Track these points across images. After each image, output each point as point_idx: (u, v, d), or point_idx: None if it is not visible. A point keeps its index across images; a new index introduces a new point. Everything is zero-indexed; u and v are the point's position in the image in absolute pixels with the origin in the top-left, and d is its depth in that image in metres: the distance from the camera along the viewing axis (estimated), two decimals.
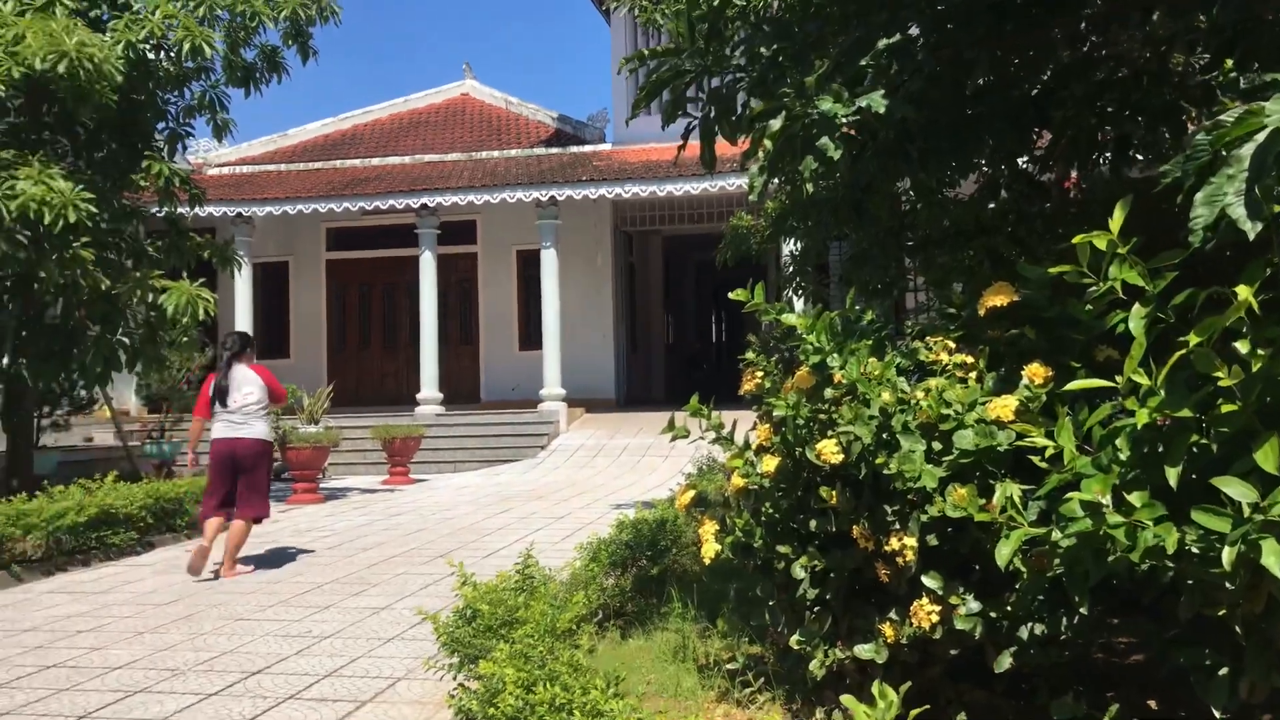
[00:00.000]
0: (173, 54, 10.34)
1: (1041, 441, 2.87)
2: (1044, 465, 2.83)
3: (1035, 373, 3.06)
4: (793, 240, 9.20)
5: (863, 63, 3.55)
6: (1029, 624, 3.11)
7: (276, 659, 5.06)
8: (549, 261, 16.86)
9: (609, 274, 19.12)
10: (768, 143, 3.48)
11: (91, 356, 9.35)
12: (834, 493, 3.28)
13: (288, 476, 14.60)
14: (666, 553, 5.58)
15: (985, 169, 5.44)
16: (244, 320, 17.71)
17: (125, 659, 5.12)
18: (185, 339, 9.97)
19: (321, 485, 12.42)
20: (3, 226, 8.26)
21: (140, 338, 9.65)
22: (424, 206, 16.98)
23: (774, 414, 3.46)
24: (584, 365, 18.12)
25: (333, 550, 8.37)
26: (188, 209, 11.17)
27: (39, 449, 12.08)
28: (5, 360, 9.13)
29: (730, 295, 3.88)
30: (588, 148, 19.11)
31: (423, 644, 5.26)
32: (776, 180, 5.98)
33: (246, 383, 7.47)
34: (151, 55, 10.34)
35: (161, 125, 10.86)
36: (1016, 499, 2.89)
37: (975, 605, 3.15)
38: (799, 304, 11.49)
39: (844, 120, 3.43)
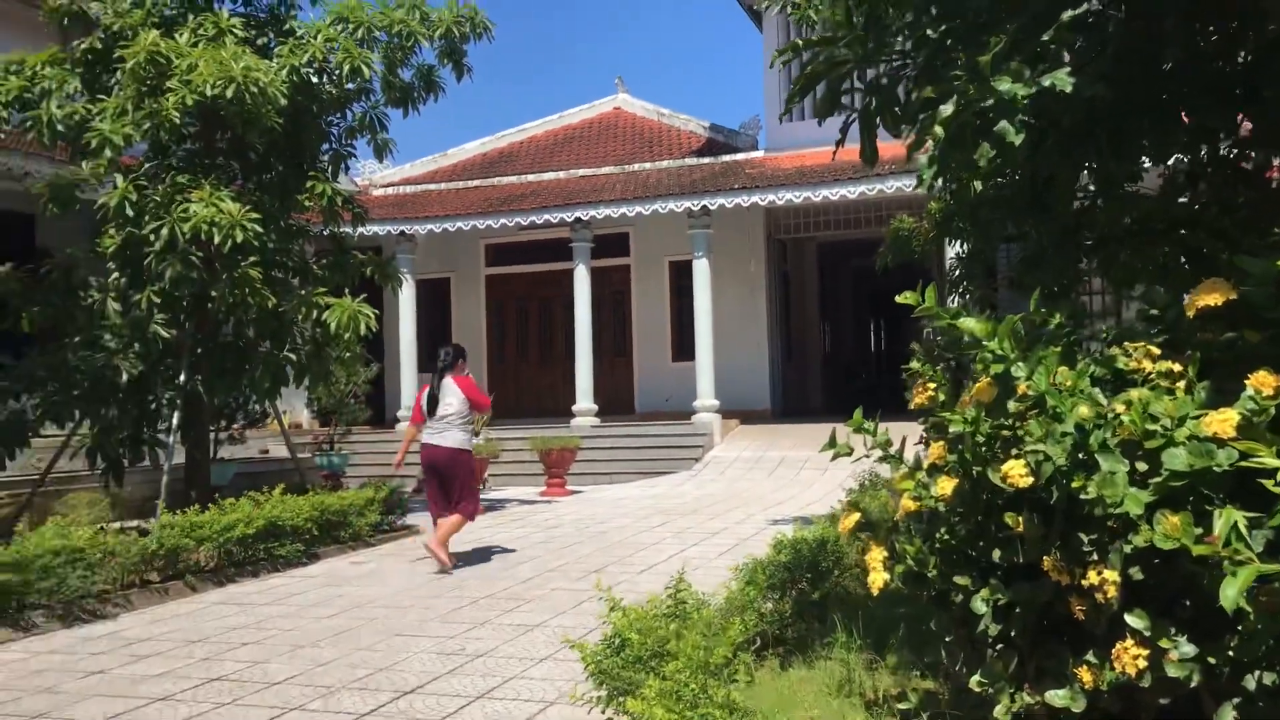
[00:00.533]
0: (334, 76, 10.64)
1: (1272, 462, 2.46)
2: (1275, 489, 2.42)
3: (1263, 381, 2.63)
4: (958, 243, 8.69)
5: (1045, 37, 3.18)
6: (1257, 672, 2.68)
7: (429, 678, 5.00)
8: (701, 271, 16.66)
9: (762, 282, 18.78)
10: (939, 130, 3.15)
11: (261, 372, 9.67)
12: (1020, 519, 2.92)
13: None
14: (828, 575, 5.26)
15: (1180, 156, 4.91)
16: (407, 335, 18.21)
17: (285, 674, 5.15)
18: (349, 354, 10.21)
19: (481, 496, 12.52)
20: (178, 248, 8.62)
21: (307, 353, 9.94)
22: (578, 220, 17.06)
23: (949, 430, 3.13)
24: (738, 376, 17.84)
25: (489, 564, 8.36)
26: (351, 228, 11.49)
27: (216, 461, 12.65)
28: (183, 377, 9.54)
29: (898, 299, 3.55)
30: (740, 155, 18.84)
31: (575, 665, 5.10)
32: (940, 180, 5.66)
33: (449, 394, 8.11)
34: (315, 79, 10.67)
35: (325, 147, 11.18)
36: (1243, 528, 2.49)
37: (1190, 649, 2.74)
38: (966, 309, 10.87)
39: (1024, 102, 3.08)
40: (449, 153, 22.09)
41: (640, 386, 19.24)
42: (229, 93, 8.54)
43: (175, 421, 9.61)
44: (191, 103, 8.76)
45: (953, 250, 9.69)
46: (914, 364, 3.79)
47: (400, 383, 18.30)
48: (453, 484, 8.09)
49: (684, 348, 18.98)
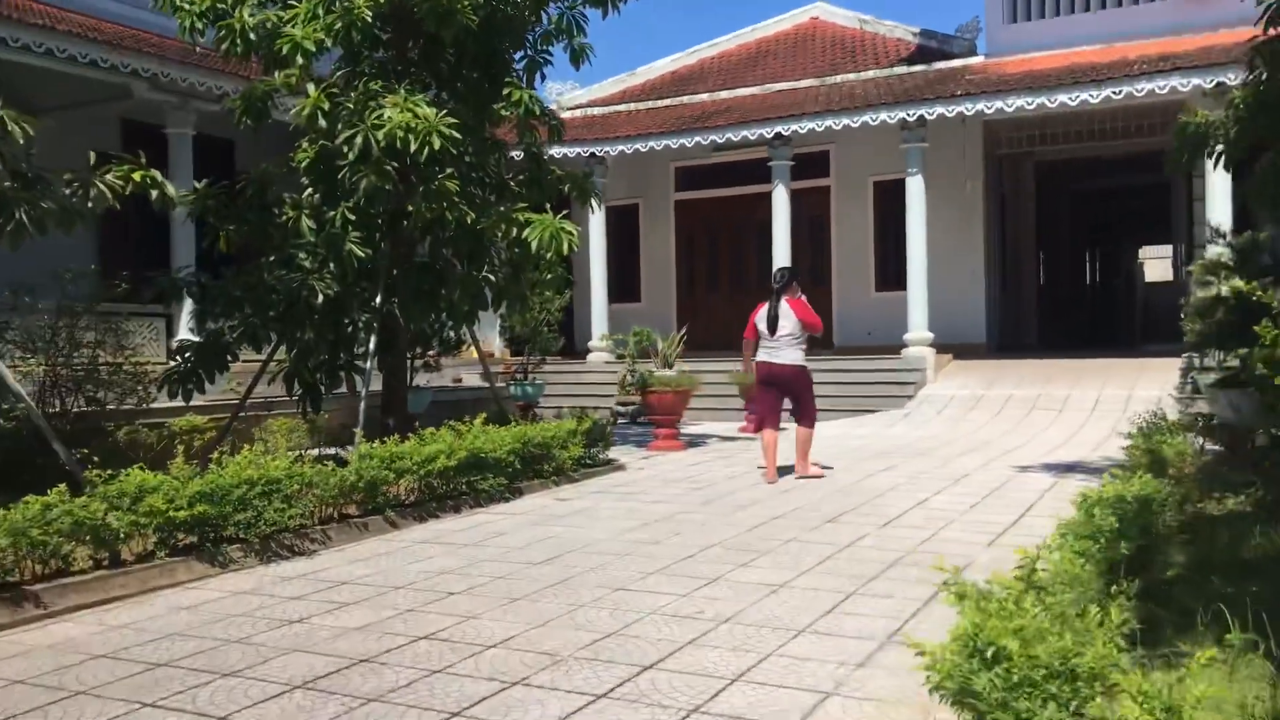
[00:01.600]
0: None
1: None
2: None
3: None
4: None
5: None
6: None
7: (670, 647, 4.16)
8: (915, 191, 15.17)
9: (979, 205, 17.09)
10: None
11: (459, 295, 9.05)
12: None
13: (644, 421, 14.18)
14: (1172, 546, 4.10)
15: None
16: (597, 262, 17.54)
17: (500, 634, 4.42)
18: (549, 276, 9.46)
19: (681, 431, 11.73)
20: (372, 158, 8.01)
21: (505, 275, 9.25)
22: (777, 136, 15.83)
23: None
24: (950, 308, 16.33)
25: (707, 507, 7.51)
26: (548, 144, 10.73)
27: (413, 389, 12.29)
28: (379, 300, 9.04)
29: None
30: (956, 62, 17.07)
31: (843, 642, 4.16)
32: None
33: (784, 316, 8.49)
34: None
35: (519, 55, 10.39)
36: None
37: None
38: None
39: None
40: (637, 71, 21.13)
41: (840, 318, 17.97)
42: None
43: (372, 346, 9.14)
44: (384, 1, 8.07)
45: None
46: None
47: (590, 311, 17.69)
48: (795, 398, 8.64)
49: (888, 277, 17.59)
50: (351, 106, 8.33)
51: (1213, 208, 13.19)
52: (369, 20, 8.16)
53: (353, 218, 8.56)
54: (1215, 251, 12.92)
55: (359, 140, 8.02)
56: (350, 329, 9.46)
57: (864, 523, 6.70)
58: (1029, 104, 14.03)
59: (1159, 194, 20.82)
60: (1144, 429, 7.56)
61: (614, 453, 10.08)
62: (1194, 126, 7.54)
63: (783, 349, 8.51)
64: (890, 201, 17.51)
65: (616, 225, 20.12)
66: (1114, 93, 13.48)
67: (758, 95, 18.31)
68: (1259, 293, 8.30)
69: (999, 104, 14.18)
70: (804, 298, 8.88)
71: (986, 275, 17.10)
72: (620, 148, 17.11)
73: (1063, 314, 23.45)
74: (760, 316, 8.65)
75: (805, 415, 8.66)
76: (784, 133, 15.65)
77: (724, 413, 14.54)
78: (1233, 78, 12.72)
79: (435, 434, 7.97)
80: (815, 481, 8.60)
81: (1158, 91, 13.29)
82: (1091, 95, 13.64)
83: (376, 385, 9.78)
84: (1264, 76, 6.86)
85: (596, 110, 19.93)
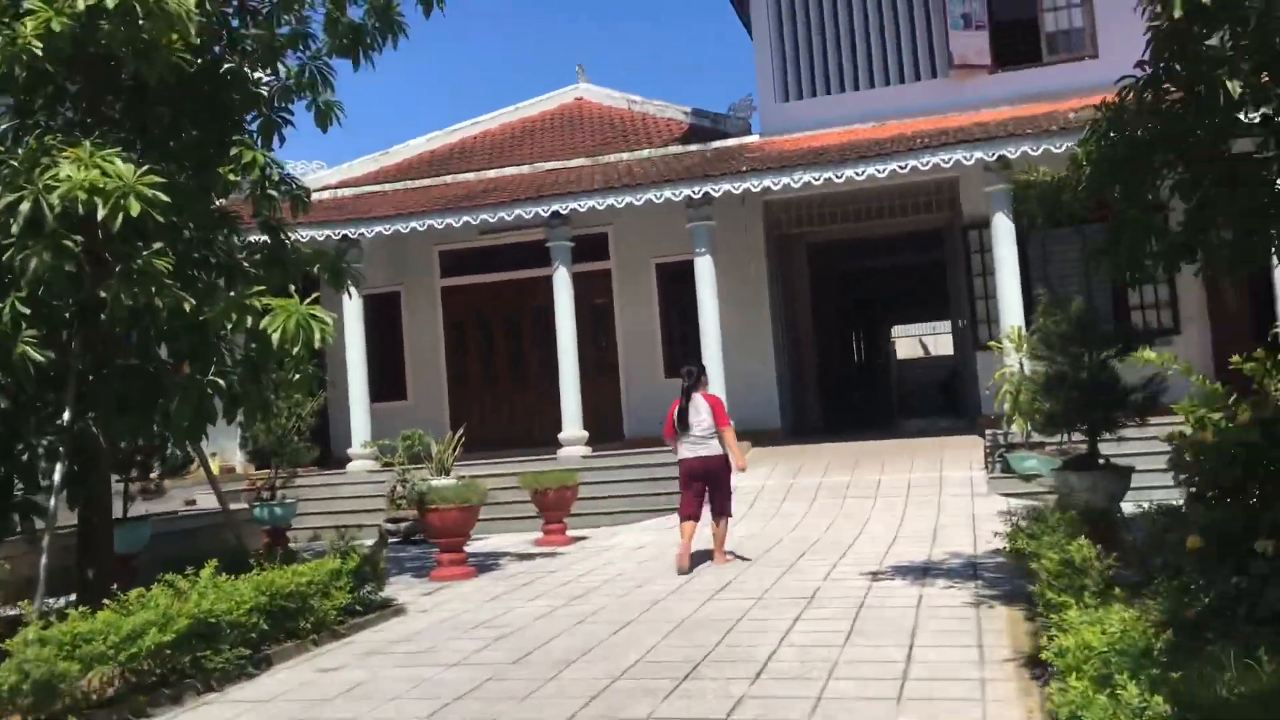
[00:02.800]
0: (259, 17, 8.16)
1: None
2: None
3: None
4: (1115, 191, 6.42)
5: None
6: None
7: None
8: (705, 271, 14.26)
9: (764, 286, 16.42)
10: None
11: (178, 405, 7.00)
12: None
13: (419, 539, 12.25)
14: None
15: None
16: (355, 358, 15.55)
17: None
18: (297, 376, 7.55)
19: (468, 550, 9.95)
20: (45, 229, 5.97)
21: (240, 377, 7.28)
22: (555, 215, 14.57)
23: None
24: (745, 393, 15.42)
25: (521, 667, 5.81)
26: (290, 223, 8.91)
27: (125, 522, 9.89)
28: (67, 416, 6.87)
29: None
30: (732, 141, 16.53)
31: None
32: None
33: (700, 409, 8.87)
34: (234, 21, 8.20)
35: (253, 114, 8.59)
36: None
37: None
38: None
39: None
40: (392, 150, 19.47)
41: (629, 408, 16.74)
42: (110, 1, 5.93)
43: (58, 477, 6.92)
44: (61, 27, 6.14)
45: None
46: None
47: (350, 414, 15.59)
48: (716, 490, 8.89)
49: (678, 361, 16.53)
50: (17, 165, 6.26)
51: (1003, 282, 12.97)
52: (37, 53, 6.17)
53: (26, 311, 6.43)
54: (1009, 327, 12.75)
55: (25, 206, 5.97)
56: (27, 456, 7.20)
57: (730, 676, 5.23)
58: (816, 179, 13.47)
59: (930, 271, 21.12)
60: (1018, 527, 6.53)
61: (390, 587, 8.21)
62: (1044, 185, 6.81)
63: (707, 440, 8.85)
64: (674, 283, 16.59)
65: (376, 315, 18.17)
66: (899, 167, 13.12)
67: (527, 174, 17.08)
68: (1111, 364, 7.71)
69: (786, 179, 13.55)
70: (717, 395, 9.73)
71: (776, 357, 16.40)
72: (378, 228, 15.35)
73: (841, 395, 23.34)
74: (678, 412, 8.93)
75: (723, 507, 9.00)
76: (561, 211, 14.41)
77: (514, 522, 12.85)
78: (1012, 151, 12.65)
79: (147, 596, 5.89)
80: (636, 608, 7.11)
81: (942, 165, 13.05)
82: (878, 170, 13.25)
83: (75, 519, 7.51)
84: (1112, 135, 6.20)
85: (348, 191, 18.07)
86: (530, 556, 10.49)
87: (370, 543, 8.71)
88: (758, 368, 16.13)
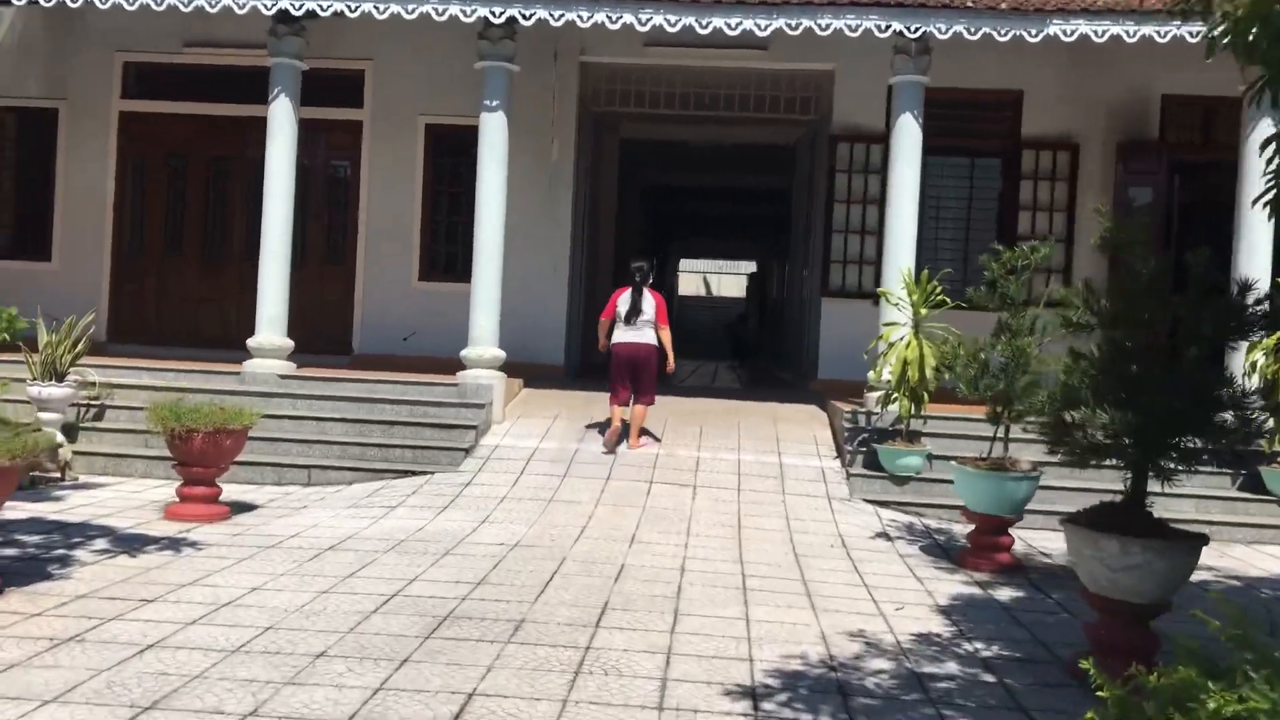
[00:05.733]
0: None
1: None
2: None
3: None
4: None
5: None
6: None
7: None
8: (494, 133, 10.03)
9: (569, 176, 12.42)
10: None
11: None
12: None
13: None
14: None
15: None
16: None
17: None
18: None
19: (45, 503, 5.55)
20: None
21: None
22: (283, 16, 9.93)
23: None
24: (522, 313, 11.51)
25: None
26: None
27: None
28: None
29: None
30: None
31: None
32: None
33: (646, 303, 9.22)
34: None
35: None
36: None
37: None
38: None
39: None
40: None
41: (365, 316, 12.38)
42: None
43: None
44: None
45: None
46: None
47: None
48: (642, 377, 9.19)
49: (438, 260, 12.41)
50: None
51: (898, 210, 9.56)
52: None
53: None
54: (901, 270, 9.39)
55: None
56: None
57: None
58: (644, 20, 9.41)
59: (766, 198, 17.78)
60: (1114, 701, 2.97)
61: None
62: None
63: (645, 330, 9.20)
64: (448, 156, 12.34)
65: (19, 136, 12.93)
66: (758, 25, 9.33)
67: None
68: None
69: (604, 13, 9.45)
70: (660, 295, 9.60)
71: (571, 273, 12.51)
72: None
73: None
74: (623, 300, 9.24)
75: (647, 394, 9.27)
76: (293, 10, 9.76)
77: (155, 462, 8.47)
78: (967, 28, 9.19)
79: None
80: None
81: (844, 33, 9.39)
82: (728, 25, 9.37)
83: None
84: None
85: None
86: (138, 543, 6.17)
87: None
88: (546, 284, 12.20)
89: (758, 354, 23.32)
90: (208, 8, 9.79)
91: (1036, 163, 11.64)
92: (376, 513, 7.41)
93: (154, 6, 9.85)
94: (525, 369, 11.23)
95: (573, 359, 12.76)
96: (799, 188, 14.49)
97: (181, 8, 9.82)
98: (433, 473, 8.55)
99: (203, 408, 7.16)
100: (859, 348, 9.77)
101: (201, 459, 7.02)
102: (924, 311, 8.19)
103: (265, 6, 9.77)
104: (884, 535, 7.41)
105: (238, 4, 9.77)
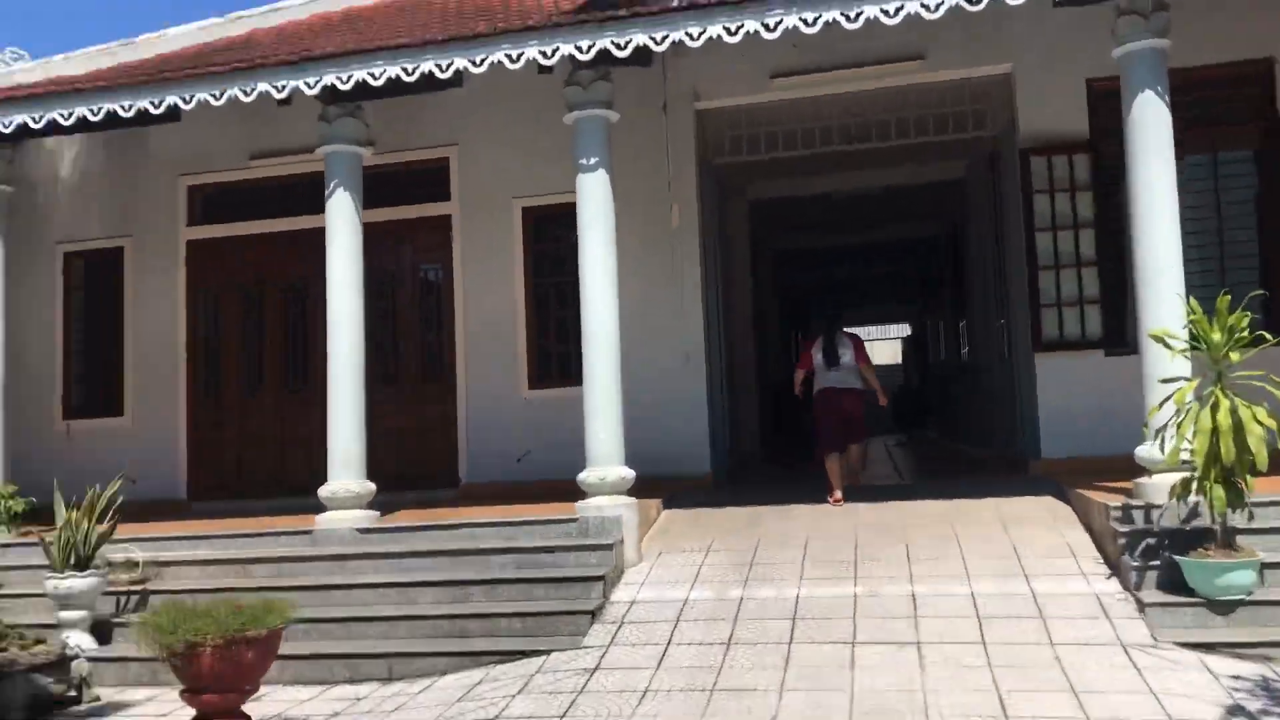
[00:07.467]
0: None
1: None
2: None
3: None
4: None
5: None
6: None
7: None
8: (595, 194, 7.94)
9: (694, 243, 10.27)
10: None
11: None
12: None
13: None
14: None
15: None
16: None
17: None
18: None
19: None
20: None
21: None
22: (331, 94, 8.23)
23: None
24: (653, 413, 9.35)
25: None
26: None
27: None
28: None
29: None
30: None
31: None
32: None
33: (843, 348, 8.97)
34: None
35: None
36: None
37: None
38: None
39: None
40: (137, 41, 12.75)
41: (470, 436, 10.38)
42: None
43: None
44: None
45: None
46: None
47: None
48: (853, 424, 9.05)
49: (549, 362, 10.37)
50: None
51: (1153, 224, 6.98)
52: None
53: None
54: (1174, 306, 6.53)
55: None
56: None
57: None
58: (771, 25, 7.23)
59: (927, 250, 15.31)
60: None
61: None
62: None
63: (846, 376, 8.93)
64: (549, 241, 10.43)
65: (86, 282, 11.69)
66: (924, 5, 7.05)
67: None
68: None
69: (721, 26, 7.31)
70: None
71: (708, 360, 10.24)
72: (81, 109, 8.78)
73: (783, 418, 17.40)
74: (817, 349, 9.02)
75: (858, 436, 9.27)
76: (340, 83, 8.02)
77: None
78: None
79: None
80: None
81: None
82: (884, 11, 7.11)
83: None
84: None
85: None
86: None
87: None
88: (678, 380, 9.96)
89: (924, 425, 20.71)
90: (242, 97, 8.16)
91: None
92: None
93: (183, 105, 8.30)
94: (663, 484, 9.00)
95: (720, 463, 10.41)
96: (976, 221, 11.95)
97: (213, 101, 8.22)
98: (549, 652, 6.27)
99: (217, 607, 5.12)
100: (1095, 414, 7.99)
101: (217, 681, 4.95)
102: (1235, 357, 5.56)
103: (308, 85, 8.09)
104: (1241, 712, 4.72)
105: (276, 87, 8.12)
